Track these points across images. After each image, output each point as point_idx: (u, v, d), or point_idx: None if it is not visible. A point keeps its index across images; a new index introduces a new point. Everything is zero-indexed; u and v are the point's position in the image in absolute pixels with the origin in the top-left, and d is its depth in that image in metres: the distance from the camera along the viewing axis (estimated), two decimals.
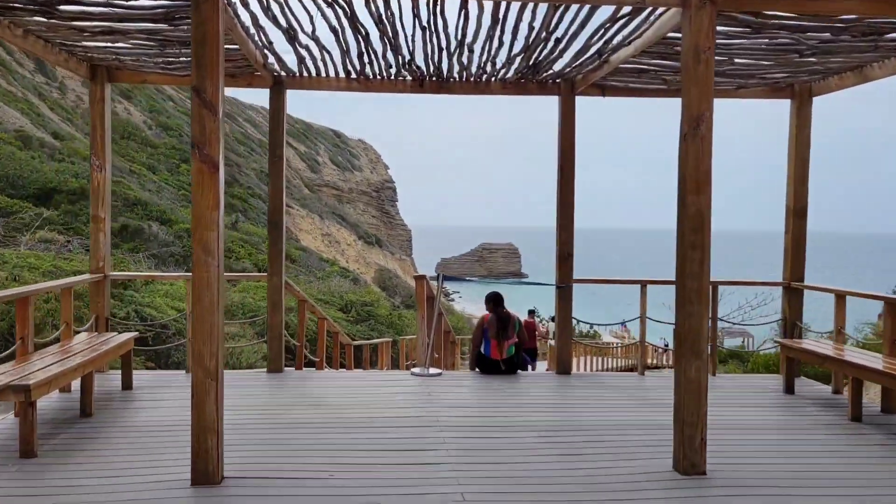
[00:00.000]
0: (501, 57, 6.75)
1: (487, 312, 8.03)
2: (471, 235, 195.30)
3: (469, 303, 73.89)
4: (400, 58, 6.74)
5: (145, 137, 43.75)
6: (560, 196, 7.97)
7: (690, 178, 4.76)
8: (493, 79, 7.68)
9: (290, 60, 7.33)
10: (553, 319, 25.21)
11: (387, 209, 64.64)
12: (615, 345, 30.68)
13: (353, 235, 49.78)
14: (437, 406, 6.51)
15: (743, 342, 37.07)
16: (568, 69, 7.22)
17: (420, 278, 8.53)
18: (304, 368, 8.50)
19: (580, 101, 7.93)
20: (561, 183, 7.96)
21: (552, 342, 16.98)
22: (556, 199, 8.00)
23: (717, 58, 6.27)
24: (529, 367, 17.22)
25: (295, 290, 8.31)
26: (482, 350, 7.92)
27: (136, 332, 7.13)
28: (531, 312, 18.33)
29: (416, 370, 7.92)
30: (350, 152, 66.57)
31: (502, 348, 7.80)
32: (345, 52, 6.74)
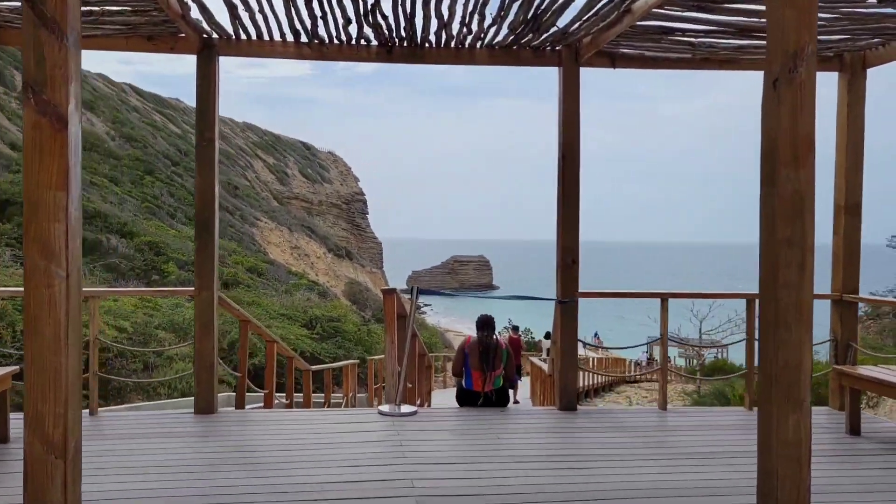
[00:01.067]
0: (492, 6, 5.14)
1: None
2: (442, 248, 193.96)
3: (442, 316, 72.11)
4: (360, 3, 5.07)
5: (108, 149, 41.66)
6: (562, 191, 6.33)
7: (784, 145, 3.14)
8: (478, 43, 6.05)
9: (223, 18, 5.65)
10: (547, 336, 23.36)
11: (357, 222, 62.76)
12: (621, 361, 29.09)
13: (322, 248, 47.90)
14: (412, 461, 4.80)
15: (717, 354, 35.45)
16: (575, 25, 5.60)
17: (389, 293, 6.82)
18: (246, 406, 6.77)
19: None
20: (562, 174, 6.32)
21: (538, 360, 15.36)
22: (557, 196, 6.36)
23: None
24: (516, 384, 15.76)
25: (233, 308, 6.58)
26: (463, 384, 6.54)
27: (17, 367, 5.34)
28: (515, 328, 16.69)
29: (384, 408, 6.20)
30: (320, 164, 64.65)
31: (486, 380, 6.41)
32: (289, 0, 5.07)
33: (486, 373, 6.36)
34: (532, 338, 34.88)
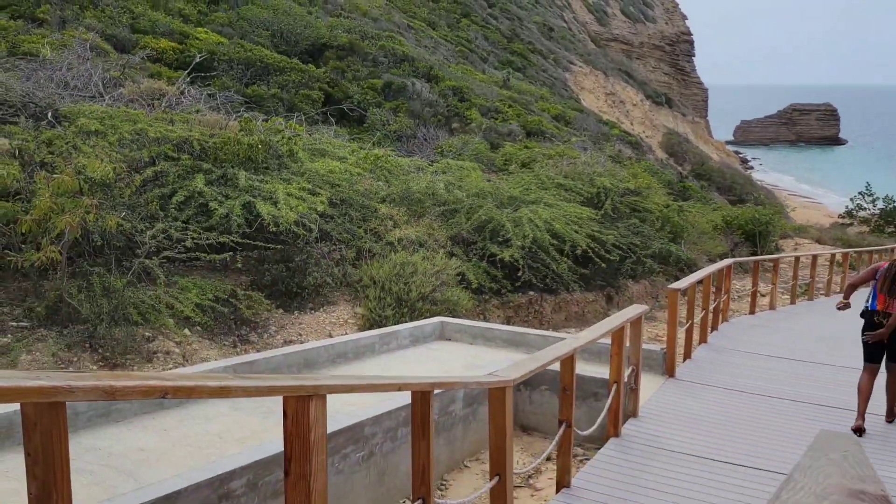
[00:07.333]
0: None
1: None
2: (776, 95, 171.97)
3: (770, 172, 62.69)
4: None
5: None
6: None
7: None
8: None
9: None
10: None
11: (681, 65, 55.70)
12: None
13: (639, 94, 42.95)
14: None
15: None
16: None
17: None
18: None
19: None
20: None
21: None
22: None
23: None
24: None
25: None
26: (867, 303, 6.37)
27: None
28: None
29: None
30: (643, 1, 57.73)
31: (888, 305, 6.13)
32: None
33: (890, 299, 6.16)
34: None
